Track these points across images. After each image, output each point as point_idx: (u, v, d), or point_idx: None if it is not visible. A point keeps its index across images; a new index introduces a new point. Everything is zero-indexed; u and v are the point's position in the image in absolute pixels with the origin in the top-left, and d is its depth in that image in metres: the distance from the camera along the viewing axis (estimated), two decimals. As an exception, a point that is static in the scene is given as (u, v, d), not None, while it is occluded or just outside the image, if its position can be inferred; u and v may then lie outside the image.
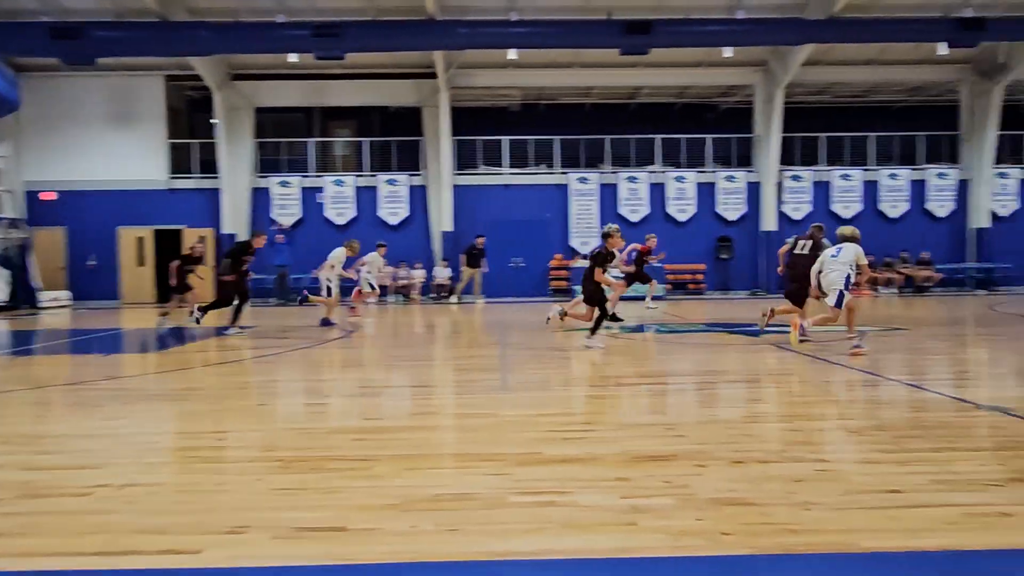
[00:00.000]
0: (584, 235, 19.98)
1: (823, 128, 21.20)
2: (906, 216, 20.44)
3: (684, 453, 3.70)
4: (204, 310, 10.40)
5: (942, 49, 17.28)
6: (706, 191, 20.31)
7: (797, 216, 20.31)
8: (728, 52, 18.05)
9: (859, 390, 5.58)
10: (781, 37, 16.94)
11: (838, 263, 7.33)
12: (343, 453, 3.77)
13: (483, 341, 10.10)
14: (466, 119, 20.86)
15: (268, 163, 20.61)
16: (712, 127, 21.64)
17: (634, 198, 20.12)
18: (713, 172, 20.42)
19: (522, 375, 6.49)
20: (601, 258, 7.84)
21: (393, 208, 20.11)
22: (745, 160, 20.91)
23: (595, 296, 7.92)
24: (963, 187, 20.65)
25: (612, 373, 6.73)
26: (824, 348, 8.04)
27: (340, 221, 19.88)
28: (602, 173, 20.31)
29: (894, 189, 20.48)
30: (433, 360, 8.33)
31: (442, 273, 19.35)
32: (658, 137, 20.54)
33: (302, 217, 19.94)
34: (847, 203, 20.41)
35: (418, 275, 19.42)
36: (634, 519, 2.78)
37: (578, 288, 9.41)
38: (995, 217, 20.50)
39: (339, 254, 11.51)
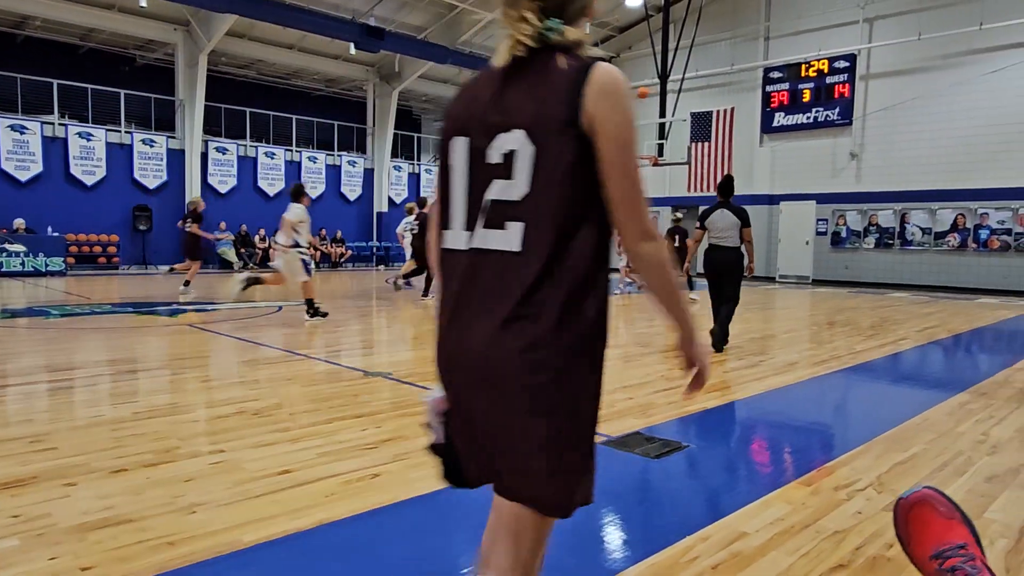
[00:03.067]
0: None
1: (248, 103, 21.29)
2: (324, 197, 22.30)
3: (50, 471, 3.04)
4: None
5: (352, 49, 19.33)
6: (120, 153, 18.11)
7: (223, 189, 19.98)
8: (143, 1, 16.38)
9: (269, 368, 5.66)
10: None
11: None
12: None
13: None
14: None
15: None
16: (128, 82, 19.35)
17: (23, 151, 16.50)
18: (129, 133, 18.33)
19: None
20: None
21: None
22: (167, 125, 19.42)
23: None
24: (369, 175, 23.68)
25: (-30, 374, 5.25)
26: (246, 327, 8.00)
27: None
28: (-26, 115, 16.03)
29: (313, 171, 22.07)
30: None
31: None
32: (56, 82, 17.28)
33: None
34: (272, 180, 21.06)
35: None
36: (-46, 581, 2.09)
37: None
38: (392, 203, 24.20)
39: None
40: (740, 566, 2.34)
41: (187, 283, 11.46)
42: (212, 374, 5.48)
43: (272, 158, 21.03)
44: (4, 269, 14.87)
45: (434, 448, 1.48)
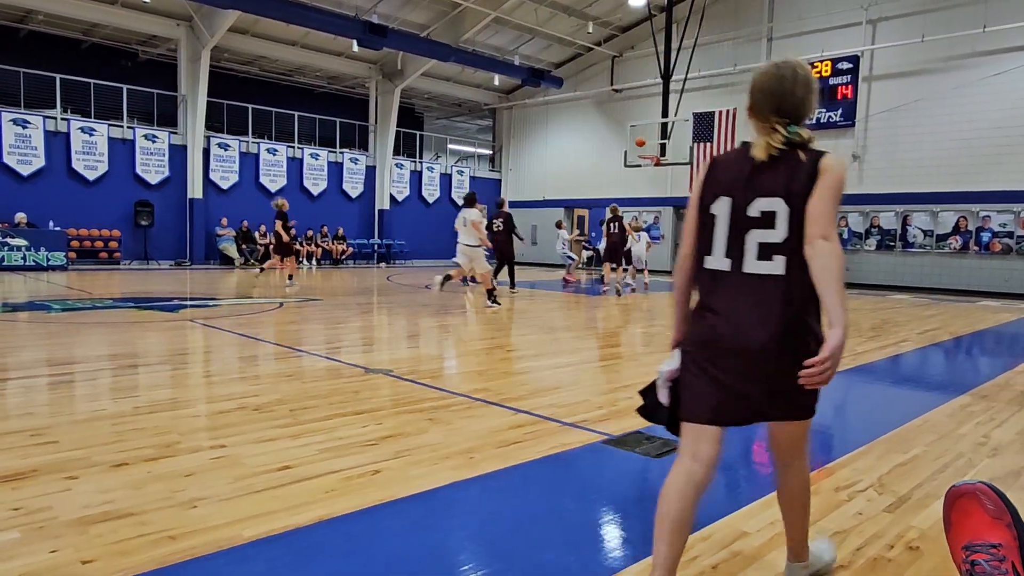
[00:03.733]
0: (-51, 186, 15.47)
1: (251, 99, 21.29)
2: (325, 194, 22.30)
3: (51, 465, 3.04)
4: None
5: (355, 46, 19.33)
6: (123, 149, 18.12)
7: (225, 185, 20.00)
8: (147, -4, 16.38)
9: (270, 364, 5.66)
10: (204, -5, 16.21)
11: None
12: None
13: None
14: None
15: None
16: (130, 77, 19.36)
17: (25, 146, 16.51)
18: (131, 128, 18.34)
19: None
20: None
21: None
22: (169, 120, 19.43)
23: None
24: (371, 172, 23.68)
25: (-29, 367, 5.25)
26: (249, 322, 8.02)
27: None
28: (-24, 109, 16.03)
29: (315, 168, 22.08)
30: None
31: None
32: (59, 76, 17.28)
33: None
34: (274, 177, 21.07)
35: None
36: (-45, 573, 2.09)
37: None
38: (394, 200, 24.20)
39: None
40: (740, 565, 2.34)
41: (291, 277, 12.70)
42: (213, 369, 5.48)
43: (274, 155, 21.03)
44: (5, 263, 14.88)
45: (651, 407, 2.16)
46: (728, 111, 20.66)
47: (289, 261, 12.54)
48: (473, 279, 12.82)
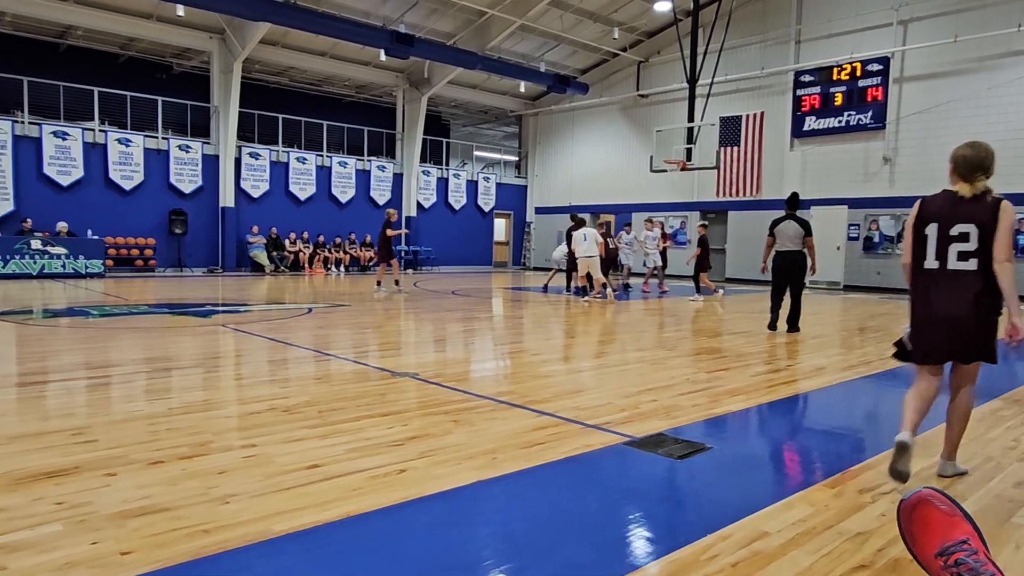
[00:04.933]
0: (-7, 197, 16.02)
1: (281, 109, 21.69)
2: (353, 201, 22.59)
3: (91, 462, 3.17)
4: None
5: (383, 55, 19.60)
6: (158, 159, 18.57)
7: (256, 193, 20.37)
8: (180, 11, 16.82)
9: (299, 367, 5.78)
10: (234, 8, 16.55)
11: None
12: None
13: None
14: None
15: None
16: (165, 89, 19.86)
17: (64, 157, 17.02)
18: (166, 139, 18.80)
19: None
20: None
21: None
22: (202, 131, 19.88)
23: None
24: (398, 180, 23.93)
25: (14, 370, 5.45)
26: (278, 328, 8.18)
27: None
28: (17, 122, 16.56)
29: (343, 176, 22.38)
30: None
31: None
32: (96, 90, 17.79)
33: None
34: (303, 185, 21.41)
35: None
36: (3, 562, 2.20)
37: None
38: (420, 207, 24.41)
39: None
40: (760, 564, 2.35)
41: (397, 282, 14.41)
42: (244, 372, 5.62)
43: (303, 163, 21.38)
44: (46, 271, 15.34)
45: (903, 352, 3.40)
46: (755, 115, 20.51)
47: (383, 267, 13.96)
48: (579, 289, 14.04)
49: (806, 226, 8.38)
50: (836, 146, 18.88)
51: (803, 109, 19.25)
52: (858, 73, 18.14)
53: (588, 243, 12.54)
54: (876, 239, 18.13)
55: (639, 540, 2.58)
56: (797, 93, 19.36)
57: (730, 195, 21.05)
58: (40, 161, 16.70)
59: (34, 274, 15.15)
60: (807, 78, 19.17)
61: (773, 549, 2.47)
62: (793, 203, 8.57)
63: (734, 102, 20.79)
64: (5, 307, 9.65)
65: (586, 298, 12.89)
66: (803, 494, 3.05)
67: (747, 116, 20.41)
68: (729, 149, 20.70)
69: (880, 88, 17.77)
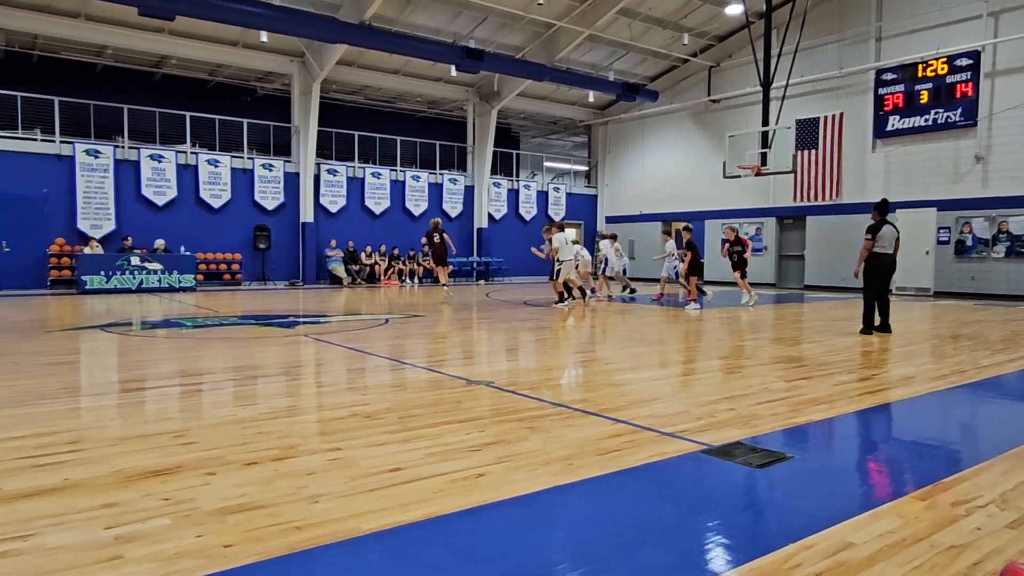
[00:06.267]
0: (96, 216, 17.20)
1: (357, 127, 22.45)
2: (426, 215, 23.07)
3: (192, 462, 3.39)
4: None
5: (453, 71, 20.01)
6: (243, 178, 19.54)
7: (334, 209, 21.11)
8: (264, 37, 17.68)
9: (379, 376, 5.98)
10: (314, 32, 17.28)
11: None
12: None
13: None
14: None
15: None
16: (249, 112, 20.90)
17: (160, 179, 18.13)
18: (251, 159, 19.76)
19: (-9, 390, 5.17)
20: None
21: None
22: (283, 150, 20.80)
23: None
24: (469, 192, 24.31)
25: (118, 378, 5.86)
26: (357, 338, 8.46)
27: None
28: (118, 147, 17.76)
29: (417, 190, 22.91)
30: None
31: None
32: (188, 114, 18.91)
33: None
34: (378, 200, 22.04)
35: None
36: (120, 551, 2.40)
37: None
38: (491, 219, 24.70)
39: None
40: (846, 575, 2.30)
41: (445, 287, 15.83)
42: (326, 380, 5.85)
43: (378, 178, 22.03)
44: (144, 285, 16.35)
45: None
46: (833, 116, 19.86)
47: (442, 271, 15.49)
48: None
49: (898, 230, 9.06)
50: (923, 146, 18.03)
51: (886, 108, 18.49)
52: (945, 69, 17.30)
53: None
54: (969, 242, 17.17)
55: (718, 547, 2.56)
56: (879, 92, 18.62)
57: (808, 199, 20.39)
58: (138, 183, 17.85)
59: (133, 288, 16.18)
60: (889, 76, 18.41)
61: (859, 560, 2.41)
62: (886, 208, 9.12)
63: (811, 104, 20.18)
64: (109, 319, 10.35)
65: (560, 304, 13.09)
66: (891, 505, 2.95)
67: (825, 118, 19.76)
68: (806, 152, 20.08)
69: (970, 83, 16.89)
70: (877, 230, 8.85)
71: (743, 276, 14.19)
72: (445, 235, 15.01)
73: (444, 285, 16.04)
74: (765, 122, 18.15)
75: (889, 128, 18.48)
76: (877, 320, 9.12)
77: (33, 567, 2.28)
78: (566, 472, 3.31)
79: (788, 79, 18.31)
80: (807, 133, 20.00)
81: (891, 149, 18.65)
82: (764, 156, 17.57)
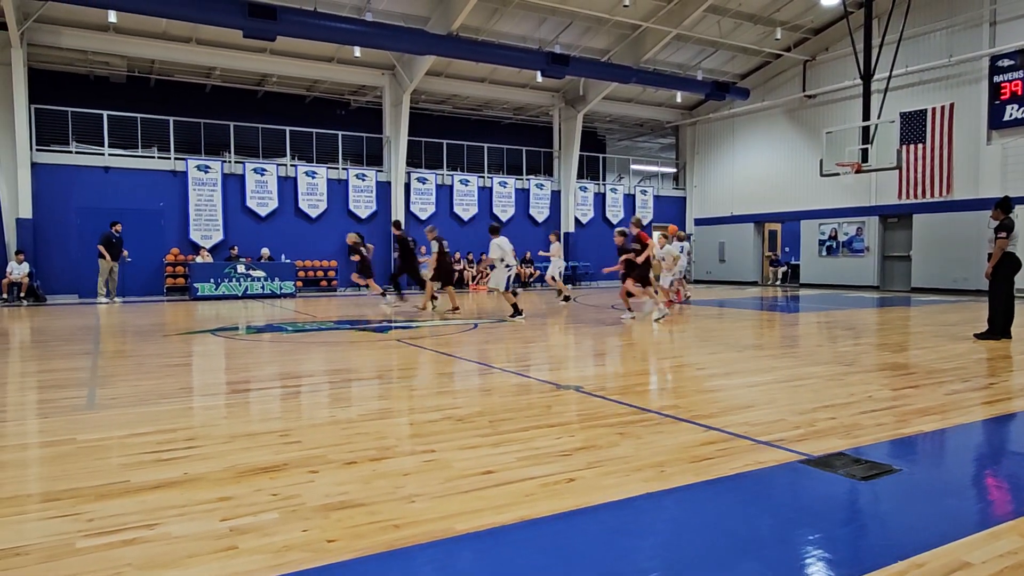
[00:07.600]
0: (206, 228, 18.38)
1: (445, 135, 22.96)
2: (513, 220, 23.29)
3: (297, 460, 3.57)
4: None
5: (539, 76, 20.13)
6: (338, 188, 20.37)
7: (423, 216, 21.64)
8: (357, 52, 18.37)
9: (469, 380, 6.09)
10: (404, 45, 17.81)
11: None
12: None
13: (71, 351, 8.51)
14: (50, 84, 17.57)
15: None
16: (343, 124, 21.78)
17: (263, 191, 19.17)
18: (345, 169, 20.57)
19: (117, 389, 5.62)
20: None
21: (-57, 186, 15.87)
22: (375, 160, 21.53)
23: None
24: (556, 197, 24.35)
25: (228, 379, 6.24)
26: (447, 342, 8.65)
27: None
28: (226, 162, 18.90)
29: (504, 196, 23.17)
30: (-4, 378, 6.72)
31: (18, 269, 15.88)
32: (288, 129, 19.90)
33: None
34: (466, 206, 22.44)
35: (-17, 271, 15.68)
36: (234, 542, 2.56)
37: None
38: (578, 223, 24.65)
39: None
40: (961, 596, 2.18)
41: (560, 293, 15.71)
42: (419, 384, 6.02)
43: (466, 185, 22.43)
44: (249, 292, 17.32)
45: None
46: (943, 107, 18.71)
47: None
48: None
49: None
50: (1046, 136, 16.67)
51: (1002, 97, 17.20)
52: (1072, 52, 15.94)
53: (504, 251, 12.33)
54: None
55: (819, 562, 2.47)
56: (994, 80, 17.36)
57: (915, 197, 19.24)
58: (243, 195, 18.93)
59: (239, 295, 17.17)
60: (1006, 62, 17.13)
61: (976, 581, 2.27)
62: (1010, 206, 8.76)
63: (916, 95, 19.05)
64: (218, 324, 11.03)
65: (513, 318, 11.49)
66: (1013, 524, 2.76)
67: (933, 109, 18.60)
68: (912, 147, 18.96)
69: (1101, 66, 15.48)
70: (1011, 228, 8.50)
71: (642, 284, 11.70)
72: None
73: (559, 295, 15.60)
74: (866, 117, 17.28)
75: (1006, 118, 17.19)
76: None
77: (159, 554, 2.47)
78: (658, 479, 3.28)
79: (891, 70, 17.37)
80: (913, 126, 18.90)
81: (1008, 141, 17.33)
82: (865, 152, 16.74)
